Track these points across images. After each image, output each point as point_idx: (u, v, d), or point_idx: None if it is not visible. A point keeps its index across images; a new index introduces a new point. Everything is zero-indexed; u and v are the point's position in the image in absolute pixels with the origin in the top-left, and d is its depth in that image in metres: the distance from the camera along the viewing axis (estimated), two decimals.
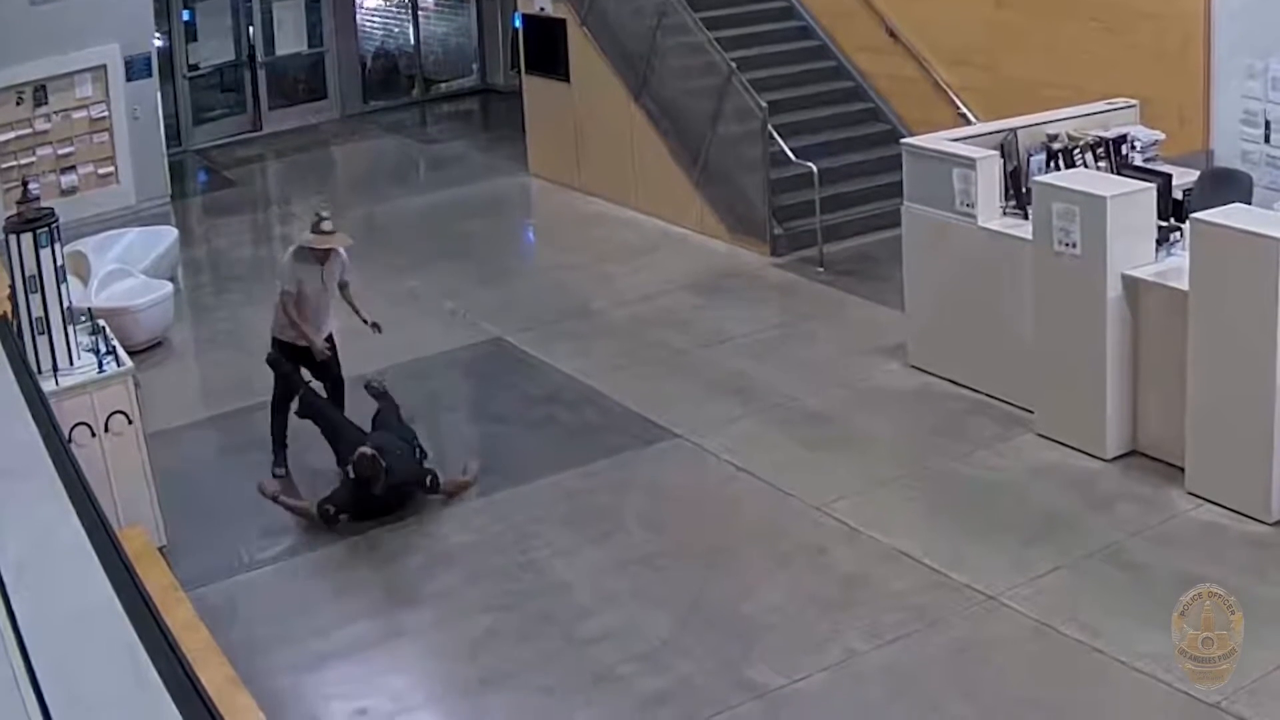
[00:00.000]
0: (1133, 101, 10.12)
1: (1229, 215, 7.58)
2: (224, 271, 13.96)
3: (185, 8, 18.47)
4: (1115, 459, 8.23)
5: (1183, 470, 7.83)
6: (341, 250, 9.03)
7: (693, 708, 6.32)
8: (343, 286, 9.11)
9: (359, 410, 8.97)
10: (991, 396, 9.11)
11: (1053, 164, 9.30)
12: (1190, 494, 7.74)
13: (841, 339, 10.54)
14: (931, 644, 6.68)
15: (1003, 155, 9.27)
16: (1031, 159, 9.34)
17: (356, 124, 20.03)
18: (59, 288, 7.47)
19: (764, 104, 12.55)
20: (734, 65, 12.92)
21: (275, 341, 8.99)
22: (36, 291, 7.37)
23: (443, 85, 21.98)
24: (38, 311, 7.40)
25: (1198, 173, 9.50)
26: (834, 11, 14.47)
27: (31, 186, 8.14)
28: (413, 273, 12.86)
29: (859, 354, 10.17)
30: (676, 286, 11.97)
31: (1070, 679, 6.32)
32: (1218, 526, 7.47)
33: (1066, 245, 8.18)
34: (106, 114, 15.35)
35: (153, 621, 3.64)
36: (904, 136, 10.93)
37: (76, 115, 15.19)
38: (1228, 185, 9.10)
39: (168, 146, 16.68)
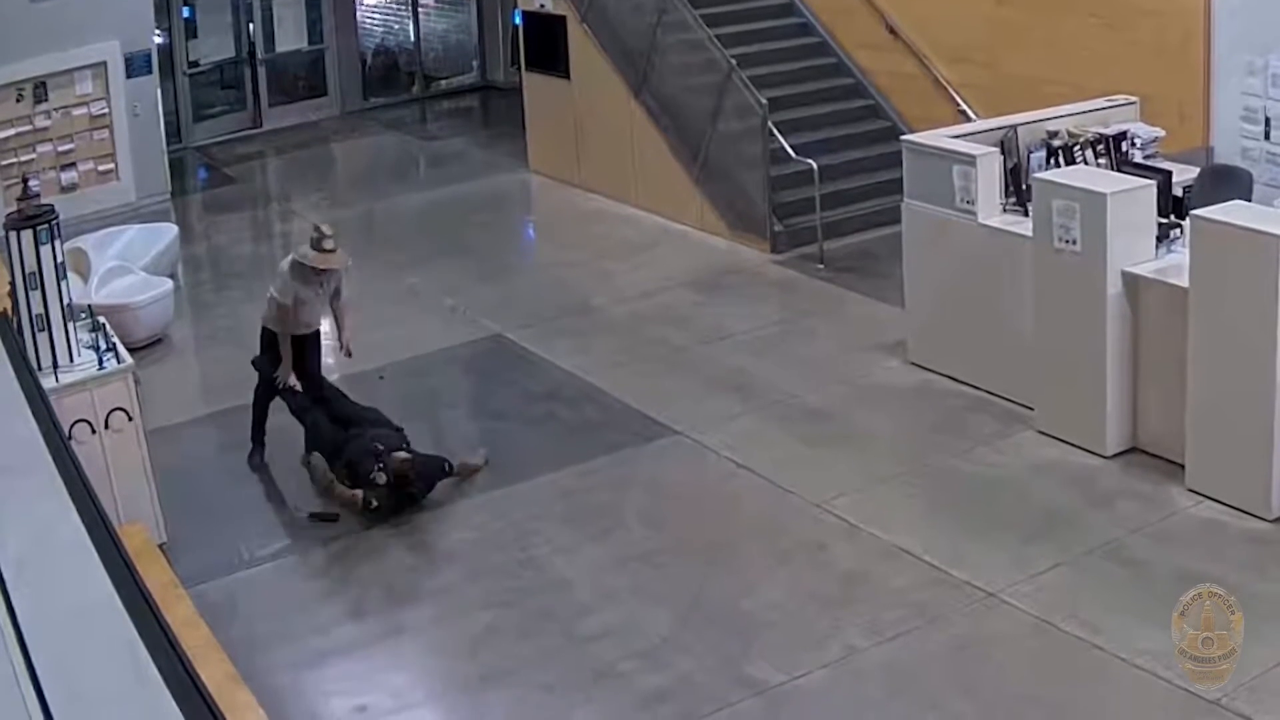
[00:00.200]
0: (1133, 98, 10.12)
1: (1229, 212, 7.58)
2: (224, 268, 13.96)
3: (185, 4, 18.47)
4: (1115, 456, 8.23)
5: (1183, 467, 7.83)
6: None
7: (693, 705, 6.33)
8: (334, 296, 9.11)
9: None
10: (991, 393, 9.11)
11: (1053, 161, 9.31)
12: (1190, 491, 7.74)
13: (841, 336, 10.54)
14: (931, 641, 6.68)
15: (1003, 152, 9.26)
16: (1031, 156, 9.34)
17: (357, 121, 20.03)
18: (59, 285, 7.47)
19: (764, 101, 12.54)
20: (734, 62, 12.91)
21: (265, 331, 9.06)
22: (36, 288, 7.38)
23: (443, 82, 21.97)
24: (38, 308, 7.41)
25: (1198, 170, 9.49)
26: (834, 8, 14.47)
27: (32, 183, 8.16)
28: (413, 269, 12.86)
29: (859, 351, 10.17)
30: (676, 283, 11.97)
31: (1070, 676, 6.32)
32: (1218, 523, 7.47)
33: (1067, 242, 8.17)
34: (107, 111, 15.36)
35: (153, 618, 3.64)
36: (904, 133, 10.92)
37: (77, 112, 15.20)
38: (1228, 182, 9.10)
39: (168, 143, 16.68)
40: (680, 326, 10.98)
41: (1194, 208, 7.92)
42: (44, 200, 7.96)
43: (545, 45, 15.36)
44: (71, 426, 7.16)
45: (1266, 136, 10.42)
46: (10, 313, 7.39)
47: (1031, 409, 8.73)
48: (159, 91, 16.22)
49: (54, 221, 7.47)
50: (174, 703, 3.17)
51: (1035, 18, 12.15)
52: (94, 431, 7.52)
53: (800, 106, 13.59)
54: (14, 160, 14.54)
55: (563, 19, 14.92)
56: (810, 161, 12.31)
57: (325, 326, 9.26)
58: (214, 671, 5.18)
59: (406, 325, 11.37)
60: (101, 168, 15.40)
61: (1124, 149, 9.46)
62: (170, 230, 13.49)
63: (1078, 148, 9.39)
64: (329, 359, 9.49)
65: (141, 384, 7.99)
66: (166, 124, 16.76)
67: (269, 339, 9.06)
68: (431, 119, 20.66)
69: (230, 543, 8.06)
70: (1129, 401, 8.22)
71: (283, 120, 19.58)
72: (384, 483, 8.15)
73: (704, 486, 8.58)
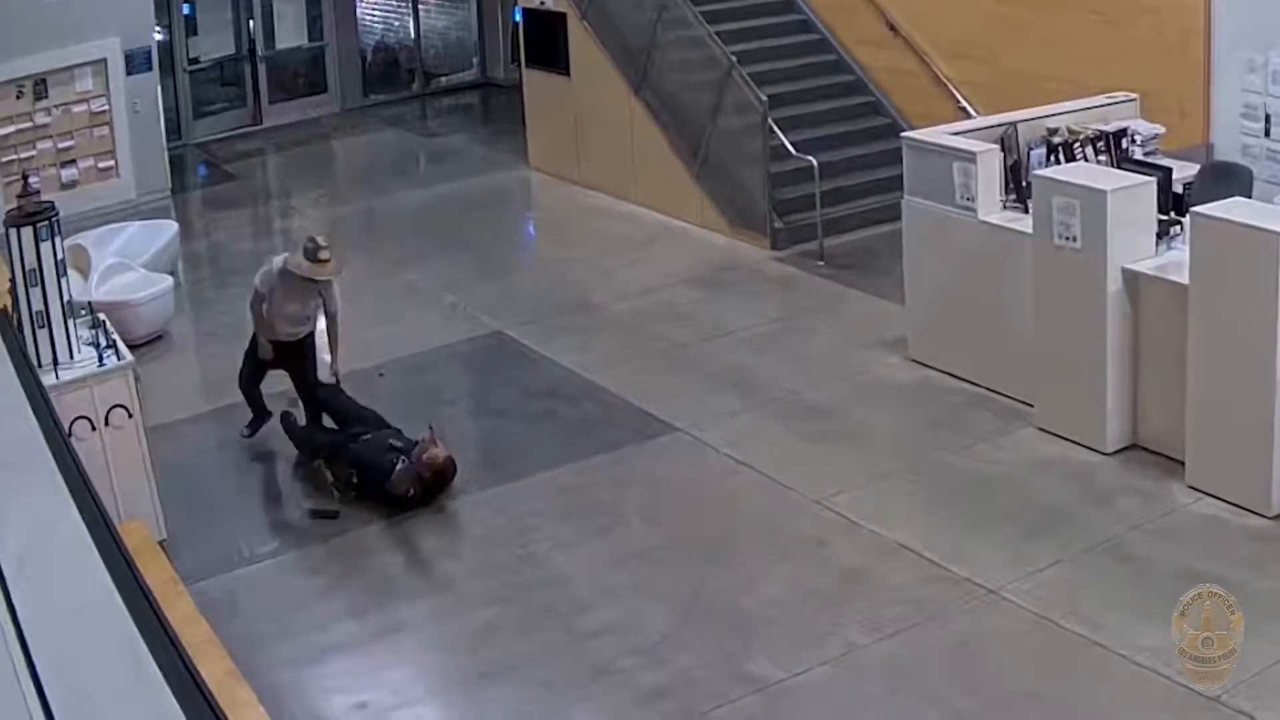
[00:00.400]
0: (1133, 95, 10.12)
1: (1229, 209, 7.58)
2: (224, 265, 13.96)
3: (185, 1, 18.45)
4: (1115, 453, 8.23)
5: (1183, 464, 7.83)
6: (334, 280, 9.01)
7: (692, 701, 6.33)
8: (330, 317, 9.03)
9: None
10: (991, 390, 9.11)
11: (1053, 158, 9.31)
12: (1190, 488, 7.74)
13: (841, 333, 10.54)
14: (931, 637, 6.68)
15: (1003, 149, 9.26)
16: (1032, 153, 9.34)
17: (357, 118, 20.02)
18: (59, 281, 7.47)
19: (764, 98, 12.54)
20: (734, 59, 12.91)
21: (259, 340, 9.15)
22: (37, 285, 7.38)
23: (443, 79, 21.96)
24: (38, 305, 7.41)
25: (1198, 166, 9.49)
26: (834, 5, 14.47)
27: (32, 180, 8.16)
28: (412, 266, 12.87)
29: (859, 348, 10.16)
30: (676, 280, 11.97)
31: (1070, 673, 6.33)
32: (1218, 520, 7.47)
33: (1067, 239, 8.17)
34: (107, 108, 15.36)
35: (153, 615, 3.64)
36: (904, 130, 10.93)
37: (77, 109, 15.19)
38: (1228, 179, 9.10)
39: (168, 140, 16.67)
40: (680, 323, 10.98)
41: (1194, 204, 7.92)
42: (44, 197, 7.97)
43: (545, 42, 15.36)
44: (72, 423, 7.16)
45: (1267, 133, 10.42)
46: (10, 309, 7.40)
47: (1031, 406, 8.73)
48: (159, 88, 16.22)
49: (54, 218, 7.47)
50: (174, 700, 3.17)
51: (1035, 14, 12.14)
52: (94, 428, 7.52)
53: (800, 103, 13.59)
54: (14, 157, 14.55)
55: (563, 16, 14.91)
56: (810, 158, 12.31)
57: (322, 323, 9.23)
58: (214, 668, 5.17)
59: (406, 322, 11.38)
60: (102, 164, 15.39)
61: (1124, 146, 9.46)
62: (170, 227, 13.48)
63: (1078, 144, 9.40)
64: (328, 355, 9.45)
65: (141, 381, 7.98)
66: (167, 121, 16.76)
67: (256, 346, 9.16)
68: (432, 116, 20.66)
69: (230, 540, 8.06)
70: (1129, 398, 8.22)
71: (283, 117, 19.57)
72: (411, 479, 8.18)
73: (704, 483, 8.58)
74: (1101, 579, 7.03)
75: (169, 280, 11.83)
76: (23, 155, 14.64)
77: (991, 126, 9.65)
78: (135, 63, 15.51)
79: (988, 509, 7.85)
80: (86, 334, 7.86)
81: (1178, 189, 8.67)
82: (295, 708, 6.46)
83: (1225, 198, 7.88)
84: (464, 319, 11.47)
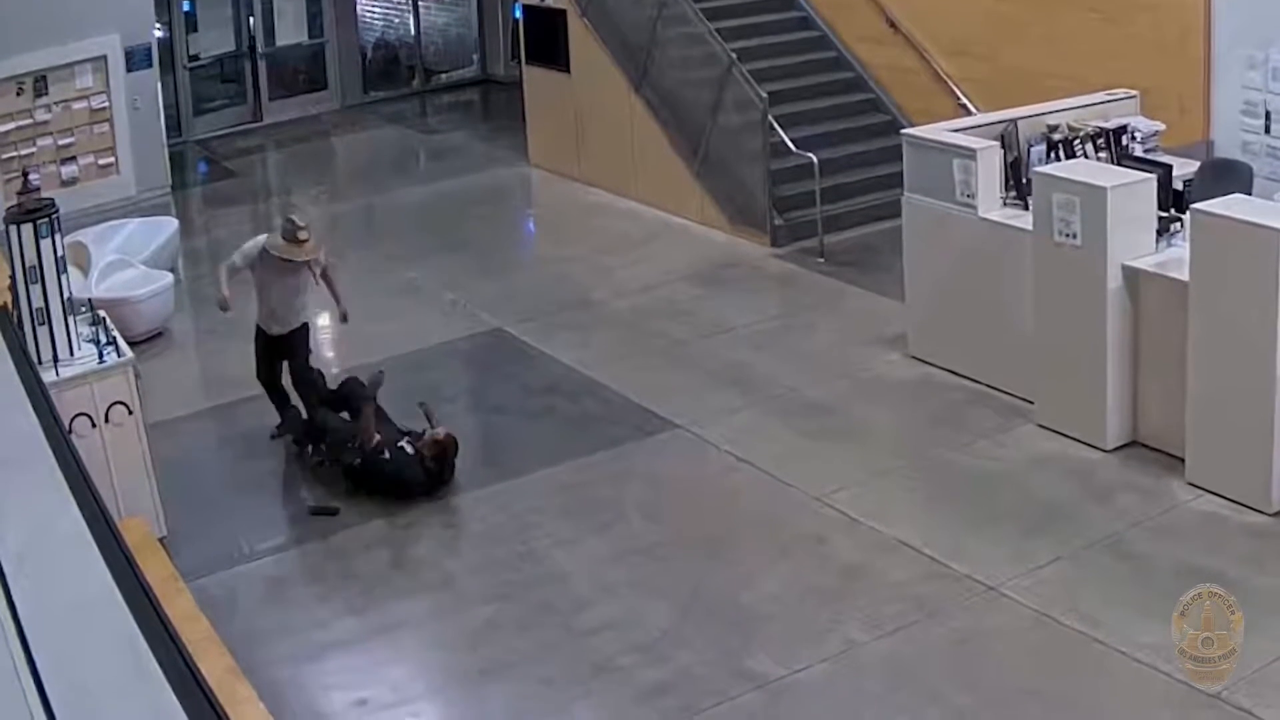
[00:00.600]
0: (1133, 92, 10.11)
1: (1229, 206, 7.58)
2: (224, 262, 13.91)
3: None
4: (1115, 449, 8.23)
5: (1183, 461, 7.83)
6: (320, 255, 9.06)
7: (693, 698, 6.33)
8: (324, 276, 9.13)
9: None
10: (992, 387, 9.11)
11: (1053, 155, 9.30)
12: (1190, 484, 7.74)
13: (842, 329, 10.54)
14: (932, 634, 6.68)
15: (1003, 146, 9.26)
16: (1032, 150, 9.33)
17: (357, 115, 20.01)
18: (59, 278, 7.47)
19: (764, 95, 12.53)
20: (734, 56, 12.91)
21: (257, 330, 9.15)
22: (37, 282, 7.38)
23: (443, 76, 21.95)
24: (38, 302, 7.41)
25: (1198, 163, 9.49)
26: (834, 2, 14.47)
27: (32, 177, 8.13)
28: (412, 263, 12.86)
29: (859, 344, 10.16)
30: (677, 277, 11.96)
31: (1070, 669, 6.33)
32: (1218, 517, 7.47)
33: (1067, 236, 8.17)
34: (107, 104, 15.36)
35: (153, 612, 3.64)
36: (904, 127, 10.93)
37: (77, 106, 15.18)
38: (1228, 176, 9.10)
39: (168, 137, 16.65)
40: (680, 320, 10.97)
41: (1194, 201, 7.91)
42: (44, 194, 7.95)
43: (545, 39, 15.35)
44: (72, 420, 7.17)
45: (1267, 130, 10.42)
46: (10, 306, 7.39)
47: (1031, 403, 8.73)
48: (159, 85, 16.21)
49: (54, 215, 7.47)
50: (174, 697, 3.17)
51: (1035, 11, 12.14)
52: (94, 425, 7.52)
53: (800, 100, 13.58)
54: (14, 154, 14.54)
55: (563, 13, 14.91)
56: (810, 155, 12.31)
57: (325, 325, 9.26)
58: (214, 665, 5.17)
59: (406, 319, 11.37)
60: (102, 161, 15.39)
61: (1124, 143, 9.46)
62: (170, 224, 13.47)
63: (1078, 141, 9.40)
64: (330, 353, 9.48)
65: (142, 378, 7.98)
66: (167, 118, 16.75)
67: (259, 335, 9.13)
68: (431, 113, 20.65)
69: (230, 537, 8.06)
70: (1129, 395, 8.22)
71: (283, 114, 19.57)
72: (416, 464, 8.27)
73: (704, 480, 8.59)
74: (1101, 576, 7.04)
75: (169, 277, 11.83)
76: (23, 152, 14.63)
77: (992, 123, 9.64)
78: (135, 59, 15.50)
79: (988, 506, 7.85)
80: (87, 331, 7.86)
81: (1178, 186, 8.66)
82: (295, 704, 6.46)
83: (1225, 195, 7.89)
84: (464, 316, 11.47)
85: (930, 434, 8.76)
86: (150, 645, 3.39)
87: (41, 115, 14.89)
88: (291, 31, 19.94)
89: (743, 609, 7.03)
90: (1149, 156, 9.20)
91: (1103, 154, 9.35)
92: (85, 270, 11.22)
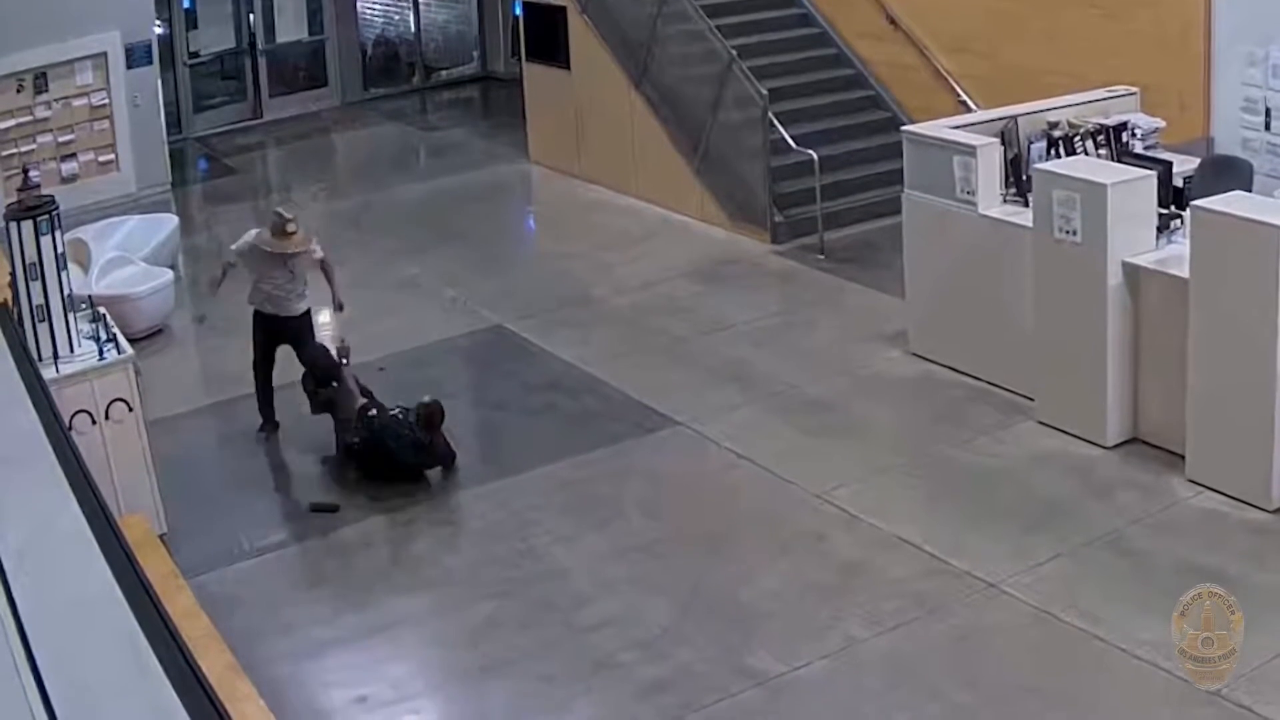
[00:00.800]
0: (1133, 89, 10.10)
1: (1229, 203, 7.58)
2: (224, 259, 13.91)
3: None
4: (1116, 446, 8.23)
5: (1183, 457, 7.83)
6: (315, 247, 9.19)
7: (693, 695, 6.33)
8: (321, 265, 9.33)
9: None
10: (992, 384, 9.11)
11: (1053, 151, 9.29)
12: (1190, 481, 7.74)
13: (842, 326, 10.54)
14: (932, 631, 6.69)
15: (1003, 143, 9.26)
16: (1032, 146, 9.33)
17: (357, 111, 19.99)
18: (59, 275, 7.47)
19: (764, 91, 12.53)
20: (734, 53, 12.90)
21: (256, 314, 9.24)
22: (37, 279, 7.38)
23: (443, 73, 21.93)
24: (38, 299, 7.41)
25: (1198, 160, 9.49)
26: None
27: (32, 174, 8.12)
28: (413, 260, 12.86)
29: (859, 341, 10.16)
30: (677, 274, 11.96)
31: (1070, 666, 6.33)
32: (1218, 514, 7.47)
33: (1067, 233, 8.17)
34: (107, 101, 15.34)
35: (153, 609, 3.64)
36: (904, 124, 10.91)
37: (77, 103, 15.17)
38: (1228, 173, 9.10)
39: (168, 134, 16.64)
40: (681, 317, 10.97)
41: (1194, 198, 7.91)
42: (44, 191, 7.94)
43: (546, 36, 15.34)
44: (72, 417, 7.17)
45: (1267, 127, 10.41)
46: (11, 303, 7.39)
47: (1032, 400, 8.73)
48: (159, 82, 16.19)
49: (54, 212, 7.47)
50: (174, 693, 3.18)
51: (1035, 8, 12.14)
52: (94, 422, 7.53)
53: (800, 97, 13.58)
54: (14, 151, 14.52)
55: (563, 10, 14.90)
56: (810, 152, 12.30)
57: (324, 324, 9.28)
58: (214, 662, 5.18)
59: (406, 316, 11.37)
60: (102, 158, 15.38)
61: (1124, 139, 9.45)
62: (170, 221, 13.47)
63: (1078, 138, 9.39)
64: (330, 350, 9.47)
65: (142, 374, 7.99)
66: (167, 115, 16.73)
67: (259, 321, 9.23)
68: (432, 110, 20.63)
69: (230, 533, 8.06)
70: (1129, 392, 8.22)
71: (283, 111, 19.55)
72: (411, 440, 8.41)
73: (704, 477, 8.59)
74: (1101, 573, 7.04)
75: (169, 274, 11.83)
76: (23, 149, 14.61)
77: (992, 120, 9.64)
78: (135, 56, 15.48)
79: (988, 503, 7.85)
80: (87, 328, 7.86)
81: (1178, 183, 8.67)
82: (295, 701, 6.46)
83: (1225, 191, 7.89)
84: (464, 313, 11.46)
85: (930, 431, 8.76)
86: (150, 642, 3.40)
87: (41, 112, 14.88)
88: (292, 28, 19.92)
89: (743, 606, 7.03)
90: (1149, 153, 9.18)
91: (1103, 151, 9.34)
92: (85, 267, 11.22)
